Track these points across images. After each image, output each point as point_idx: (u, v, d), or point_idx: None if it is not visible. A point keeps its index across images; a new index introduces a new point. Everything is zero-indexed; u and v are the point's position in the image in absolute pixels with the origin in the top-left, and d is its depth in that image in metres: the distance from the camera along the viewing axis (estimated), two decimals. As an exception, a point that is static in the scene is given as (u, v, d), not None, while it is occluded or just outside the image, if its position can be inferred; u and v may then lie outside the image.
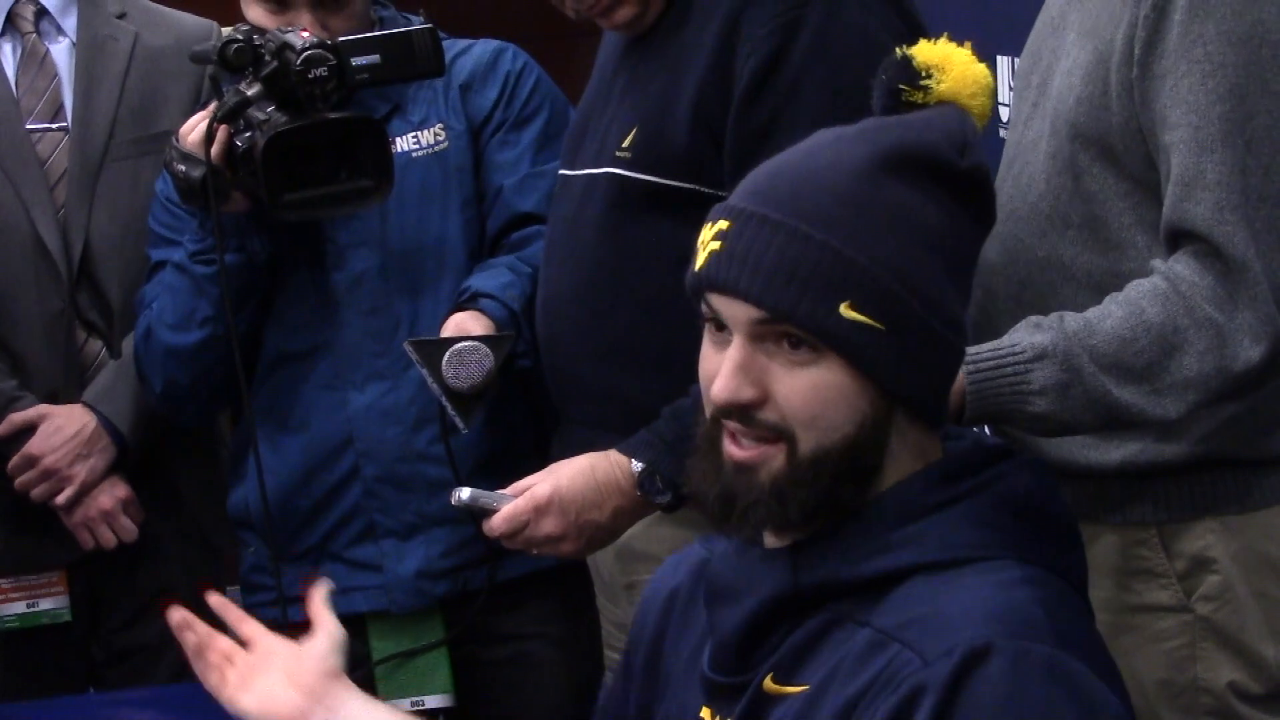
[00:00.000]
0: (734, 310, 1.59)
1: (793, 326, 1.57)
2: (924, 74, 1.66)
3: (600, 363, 2.35)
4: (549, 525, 2.18)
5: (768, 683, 1.61)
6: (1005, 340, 2.04)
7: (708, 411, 1.64)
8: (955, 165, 1.61)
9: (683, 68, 2.28)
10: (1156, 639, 2.11)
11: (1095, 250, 2.10)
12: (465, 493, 2.18)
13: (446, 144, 2.70)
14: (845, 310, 1.56)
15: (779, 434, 1.59)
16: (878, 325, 1.56)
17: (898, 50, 1.69)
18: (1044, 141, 2.15)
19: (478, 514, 2.22)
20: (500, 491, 2.20)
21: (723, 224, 1.61)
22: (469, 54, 2.77)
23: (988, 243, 2.21)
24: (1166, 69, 2.00)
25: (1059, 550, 1.64)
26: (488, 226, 2.72)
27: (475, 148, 2.73)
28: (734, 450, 1.61)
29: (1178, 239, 2.02)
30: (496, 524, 2.19)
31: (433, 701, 2.72)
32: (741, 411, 1.60)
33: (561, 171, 2.49)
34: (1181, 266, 2.00)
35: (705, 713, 1.68)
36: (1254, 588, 2.09)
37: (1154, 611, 2.11)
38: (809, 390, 1.58)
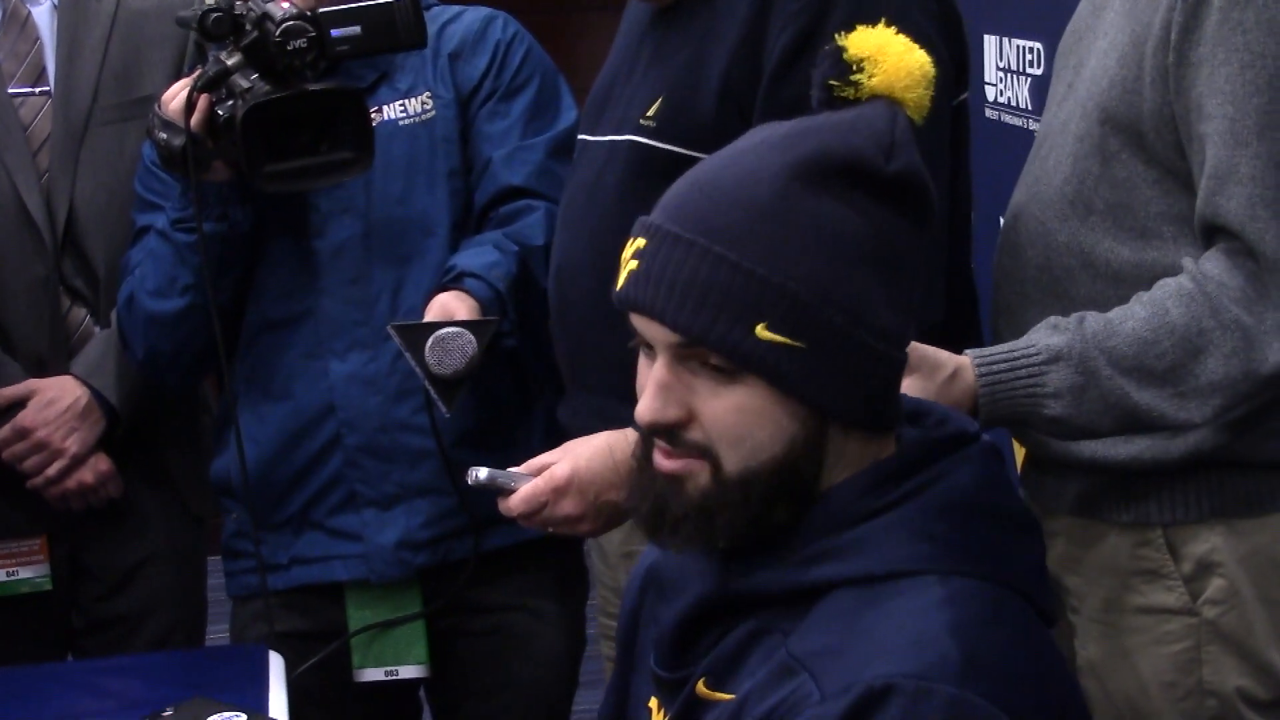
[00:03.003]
0: (654, 331, 1.53)
1: (706, 350, 1.49)
2: (855, 67, 1.55)
3: (613, 329, 2.27)
4: (568, 506, 2.10)
5: (700, 686, 1.56)
6: (1021, 341, 1.97)
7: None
8: (880, 171, 1.51)
9: (713, 38, 2.18)
10: (1161, 641, 2.04)
11: (1118, 238, 2.01)
12: (482, 473, 2.10)
13: (434, 113, 2.60)
14: (761, 332, 1.47)
15: (703, 453, 1.52)
16: (798, 344, 1.48)
17: (835, 37, 1.57)
18: (1074, 123, 2.05)
19: (494, 493, 2.14)
20: (516, 470, 2.12)
21: (640, 242, 1.53)
22: (459, 21, 2.67)
23: (1008, 224, 2.15)
24: (1203, 57, 1.90)
25: (1001, 549, 1.54)
26: (475, 199, 2.62)
27: (463, 118, 2.62)
28: (663, 462, 1.55)
29: (1211, 234, 1.93)
30: (515, 504, 2.10)
31: (407, 672, 2.64)
32: (667, 431, 1.53)
33: (581, 136, 2.39)
34: (1210, 265, 1.91)
35: (653, 703, 1.65)
36: (1261, 593, 2.01)
37: (1159, 613, 2.04)
38: (733, 412, 1.50)
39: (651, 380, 1.53)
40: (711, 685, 1.55)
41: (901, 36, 1.57)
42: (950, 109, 2.17)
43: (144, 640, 2.86)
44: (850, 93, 1.55)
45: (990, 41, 3.35)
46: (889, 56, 1.55)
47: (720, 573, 1.56)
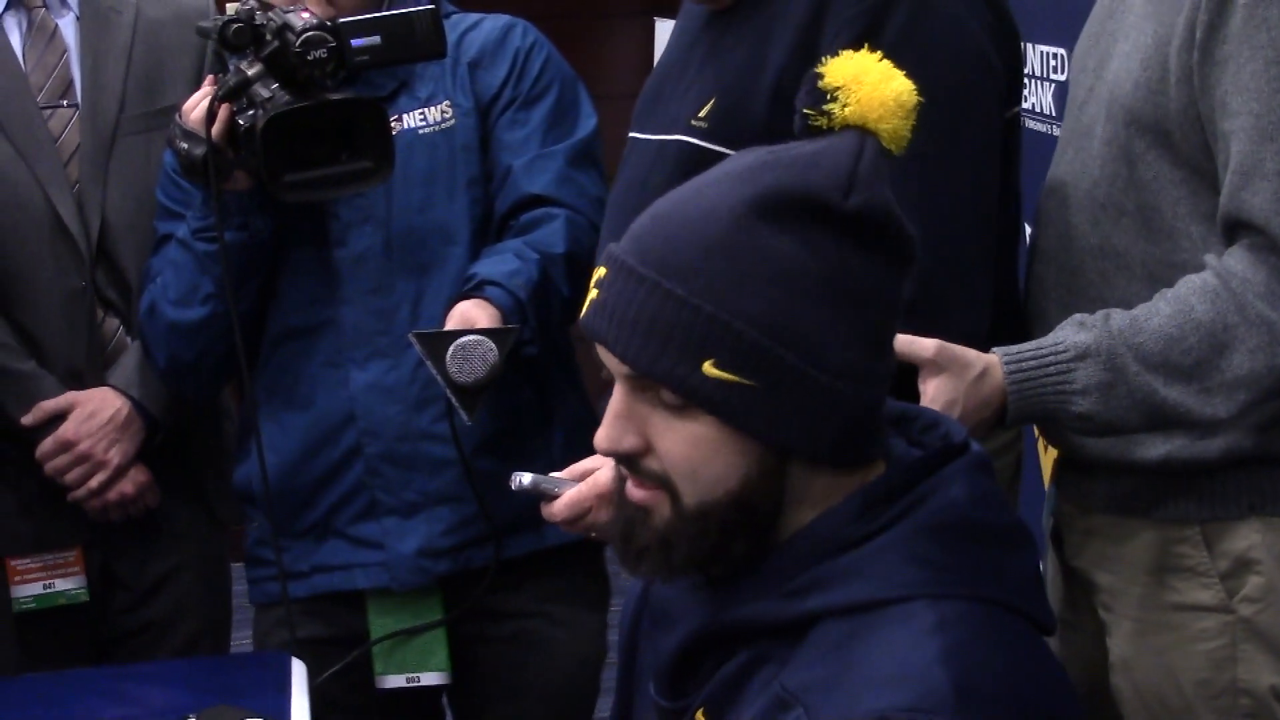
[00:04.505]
0: (611, 361, 1.51)
1: (655, 384, 1.48)
2: (829, 96, 1.50)
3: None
4: (610, 513, 2.08)
5: (700, 717, 1.54)
6: (1048, 339, 1.95)
7: None
8: (836, 207, 1.46)
9: (768, 41, 2.14)
10: (1196, 638, 2.01)
11: (1149, 239, 1.99)
12: (526, 478, 2.08)
13: (453, 122, 2.58)
14: (709, 369, 1.45)
15: (662, 484, 1.51)
16: (747, 382, 1.45)
17: (820, 62, 1.52)
18: (1099, 126, 2.03)
19: (537, 499, 2.12)
20: (559, 476, 2.10)
21: (602, 271, 1.52)
22: (478, 30, 2.64)
23: (1038, 229, 2.12)
24: (1228, 54, 1.88)
25: (992, 567, 1.51)
26: (495, 207, 2.60)
27: (483, 126, 2.60)
28: (632, 491, 1.53)
29: (1234, 230, 1.91)
30: (559, 510, 2.08)
31: (429, 679, 2.62)
32: (626, 460, 1.52)
33: (631, 134, 2.35)
34: (1234, 261, 1.89)
35: None
36: None
37: (1194, 610, 2.01)
38: (686, 445, 1.49)
39: (609, 409, 1.52)
40: (711, 715, 1.53)
41: (883, 64, 1.51)
42: (1002, 121, 2.14)
43: (172, 646, 2.83)
44: (823, 122, 1.51)
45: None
46: (863, 86, 1.49)
47: (713, 604, 1.54)
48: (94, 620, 2.84)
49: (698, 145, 2.17)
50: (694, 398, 1.47)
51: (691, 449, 1.49)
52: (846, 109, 1.49)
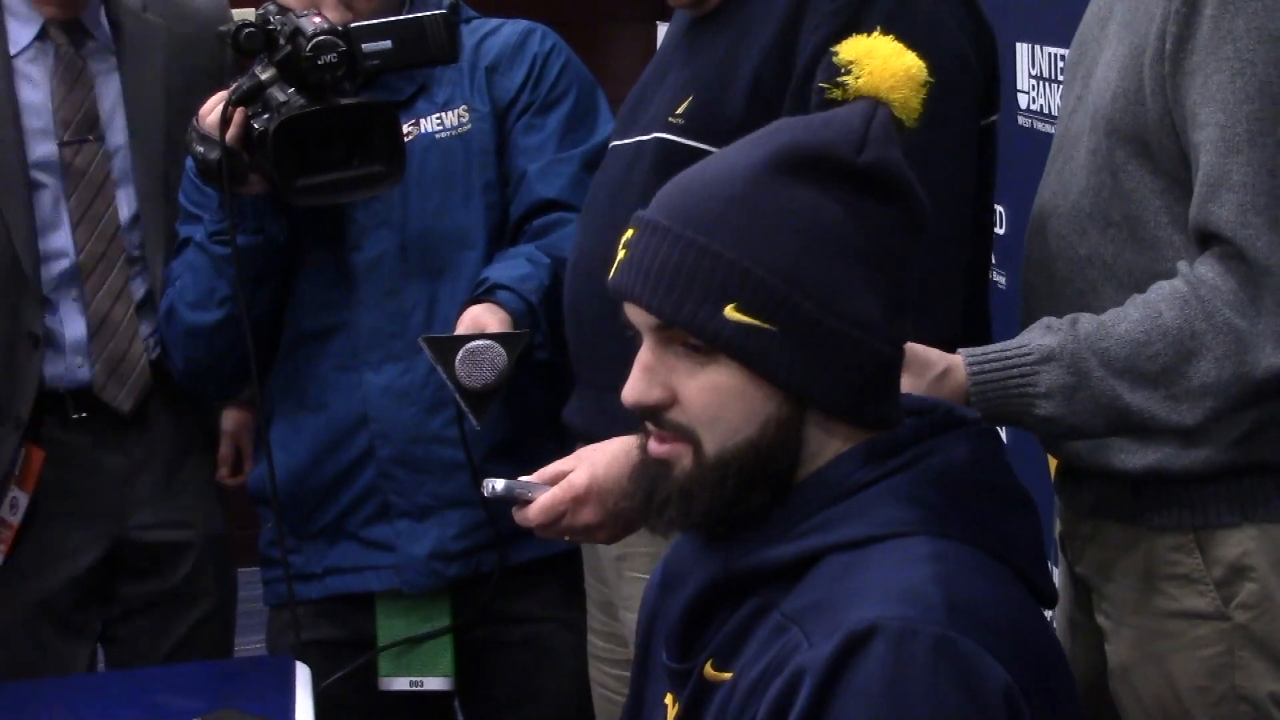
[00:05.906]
0: (637, 316, 1.58)
1: (680, 331, 1.54)
2: (844, 70, 1.58)
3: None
4: (587, 515, 2.05)
5: (708, 669, 1.58)
6: (1014, 341, 1.94)
7: None
8: (850, 161, 1.54)
9: (746, 38, 2.15)
10: (1194, 645, 1.99)
11: (1135, 249, 1.98)
12: (499, 484, 2.06)
13: (470, 126, 2.58)
14: (731, 313, 1.52)
15: (685, 435, 1.56)
16: (768, 326, 1.52)
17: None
18: (1085, 136, 2.03)
19: (511, 504, 2.11)
20: (531, 480, 2.07)
21: (630, 232, 1.59)
22: (497, 35, 2.64)
23: (1030, 238, 2.11)
24: (1196, 66, 1.88)
25: (995, 522, 1.55)
26: (510, 212, 2.60)
27: (500, 131, 2.60)
28: (654, 446, 1.60)
29: (1204, 240, 1.90)
30: (533, 514, 2.05)
31: (432, 683, 2.63)
32: (651, 413, 1.58)
33: (612, 144, 2.35)
34: (1204, 269, 1.88)
35: (669, 699, 1.65)
36: None
37: (1191, 618, 1.99)
38: (709, 391, 1.55)
39: (637, 363, 1.58)
40: (718, 666, 1.57)
41: (894, 43, 1.59)
42: (978, 127, 2.14)
43: (185, 623, 2.83)
44: (838, 94, 1.58)
45: (1022, 49, 3.32)
46: (875, 59, 1.58)
47: (723, 557, 1.58)
48: (95, 595, 2.81)
49: (676, 141, 2.17)
50: (716, 341, 1.52)
51: (713, 395, 1.54)
52: (860, 80, 1.57)
